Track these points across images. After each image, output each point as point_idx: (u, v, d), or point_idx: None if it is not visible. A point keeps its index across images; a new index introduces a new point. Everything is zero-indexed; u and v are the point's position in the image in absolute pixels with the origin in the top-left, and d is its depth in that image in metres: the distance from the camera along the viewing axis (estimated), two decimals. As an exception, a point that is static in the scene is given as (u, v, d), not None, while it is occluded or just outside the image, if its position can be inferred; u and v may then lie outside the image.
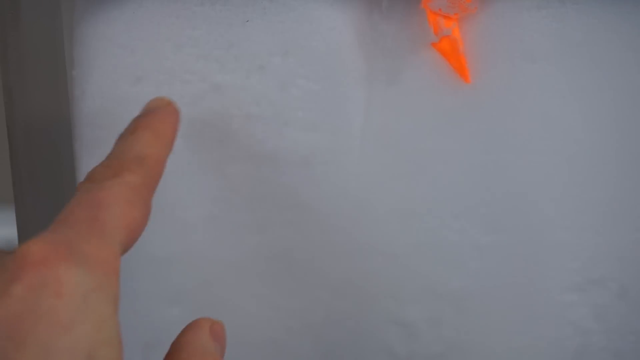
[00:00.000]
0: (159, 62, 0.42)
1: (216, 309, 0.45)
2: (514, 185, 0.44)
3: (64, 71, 0.43)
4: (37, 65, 0.42)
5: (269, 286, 0.45)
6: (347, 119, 0.43)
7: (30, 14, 0.41)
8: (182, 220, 0.44)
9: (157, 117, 0.36)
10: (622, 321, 0.45)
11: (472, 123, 0.43)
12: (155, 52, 0.42)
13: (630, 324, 0.45)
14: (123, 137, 0.35)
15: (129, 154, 0.34)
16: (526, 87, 0.42)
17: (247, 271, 0.45)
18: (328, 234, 0.45)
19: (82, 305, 0.27)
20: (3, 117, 0.43)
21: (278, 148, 0.43)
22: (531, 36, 0.42)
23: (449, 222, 0.44)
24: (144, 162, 0.33)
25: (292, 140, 0.43)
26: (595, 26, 0.42)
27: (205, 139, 0.43)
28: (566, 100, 0.43)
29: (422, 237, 0.44)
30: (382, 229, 0.44)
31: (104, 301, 0.28)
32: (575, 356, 0.45)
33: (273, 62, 0.42)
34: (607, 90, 0.43)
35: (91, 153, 0.43)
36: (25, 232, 0.44)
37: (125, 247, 0.31)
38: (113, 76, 0.42)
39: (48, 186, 0.44)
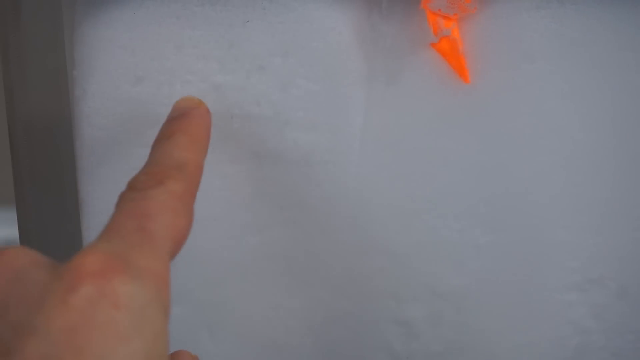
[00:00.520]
0: (159, 62, 0.42)
1: (217, 308, 0.45)
2: (513, 185, 0.44)
3: (65, 71, 0.43)
4: (38, 65, 0.42)
5: (269, 285, 0.45)
6: (347, 118, 0.43)
7: (31, 15, 0.41)
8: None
9: (192, 120, 0.36)
10: (621, 320, 0.45)
11: (472, 123, 0.43)
12: (156, 53, 0.42)
13: (629, 323, 0.45)
14: (160, 143, 0.35)
15: (169, 161, 0.34)
16: (525, 87, 0.42)
17: (247, 270, 0.45)
18: (328, 234, 0.45)
19: (138, 317, 0.27)
20: (4, 117, 0.43)
21: (278, 148, 0.43)
22: (530, 36, 0.42)
23: (449, 221, 0.44)
24: (185, 169, 0.33)
25: (292, 140, 0.43)
26: (594, 26, 0.42)
27: (206, 139, 0.43)
28: (565, 100, 0.43)
29: (422, 236, 0.44)
30: (382, 228, 0.44)
31: (158, 314, 0.28)
32: (575, 355, 0.45)
33: (273, 62, 0.42)
34: (606, 90, 0.43)
35: (92, 153, 0.43)
36: (26, 232, 0.44)
37: (172, 257, 0.31)
38: (114, 76, 0.42)
39: (49, 186, 0.44)
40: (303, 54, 0.42)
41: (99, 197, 0.44)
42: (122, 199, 0.32)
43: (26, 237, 0.44)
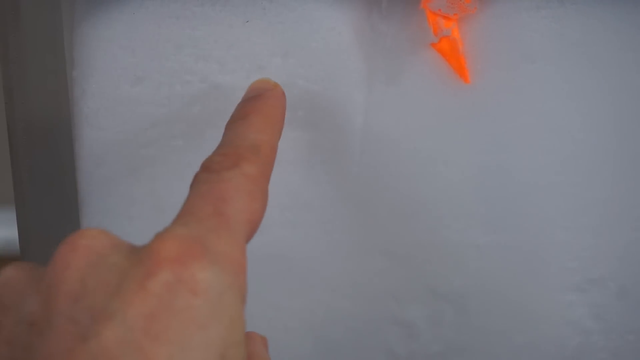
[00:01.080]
0: (159, 62, 0.42)
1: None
2: (513, 185, 0.44)
3: (64, 72, 0.43)
4: (37, 65, 0.42)
5: (269, 286, 0.45)
6: (347, 119, 0.43)
7: (30, 15, 0.41)
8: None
9: (267, 101, 0.36)
10: (621, 321, 0.45)
11: (472, 123, 0.43)
12: (156, 53, 0.42)
13: (629, 324, 0.45)
14: (234, 123, 0.35)
15: (244, 142, 0.33)
16: (525, 88, 0.42)
17: (247, 271, 0.45)
18: (328, 234, 0.45)
19: (216, 304, 0.27)
20: (3, 117, 0.43)
21: (278, 148, 0.43)
22: (530, 36, 0.42)
23: (449, 222, 0.44)
24: (260, 151, 0.33)
25: (292, 140, 0.43)
26: (594, 26, 0.42)
27: (206, 139, 0.43)
28: (565, 100, 0.43)
29: (422, 236, 0.44)
30: (382, 228, 0.44)
31: (235, 300, 0.28)
32: (575, 355, 0.45)
33: (273, 62, 0.42)
34: (606, 90, 0.43)
35: (91, 153, 0.43)
36: (26, 232, 0.44)
37: (247, 241, 0.31)
38: (113, 77, 0.42)
39: (48, 187, 0.44)
40: (303, 54, 0.42)
41: (99, 197, 0.44)
42: (197, 180, 0.31)
43: (26, 237, 0.44)
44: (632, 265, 0.45)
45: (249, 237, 0.31)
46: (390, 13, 0.42)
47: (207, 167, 0.32)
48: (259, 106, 0.36)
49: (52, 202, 0.44)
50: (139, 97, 0.42)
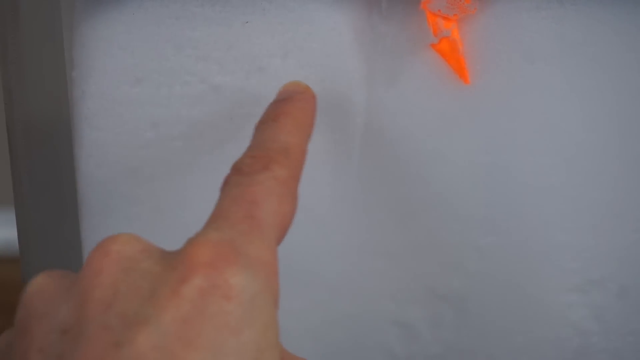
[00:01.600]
0: (158, 63, 0.42)
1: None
2: (513, 186, 0.44)
3: (64, 72, 0.43)
4: (36, 66, 0.42)
5: (268, 287, 0.45)
6: (347, 119, 0.43)
7: (29, 15, 0.41)
8: (182, 221, 0.44)
9: (297, 104, 0.36)
10: (621, 322, 0.45)
11: (472, 124, 0.43)
12: (155, 54, 0.42)
13: (629, 325, 0.45)
14: (264, 125, 0.35)
15: (274, 144, 0.33)
16: (526, 88, 0.42)
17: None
18: (328, 235, 0.45)
19: (249, 308, 0.27)
20: (3, 118, 0.43)
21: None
22: (530, 37, 0.42)
23: (449, 223, 0.44)
24: (290, 153, 0.33)
25: (291, 141, 0.43)
26: (595, 27, 0.42)
27: (205, 140, 0.43)
28: (566, 101, 0.43)
29: (422, 237, 0.44)
30: (381, 229, 0.44)
31: (269, 305, 0.28)
32: (575, 357, 0.45)
33: (273, 63, 0.42)
34: (606, 91, 0.43)
35: (91, 154, 0.43)
36: (25, 233, 0.44)
37: (278, 244, 0.31)
38: (113, 77, 0.42)
39: (48, 187, 0.44)
40: (303, 54, 0.42)
41: (98, 198, 0.44)
42: (228, 183, 0.31)
43: (25, 238, 0.44)
44: (632, 266, 0.45)
45: (279, 240, 0.31)
46: (390, 14, 0.42)
47: (238, 170, 0.32)
48: (289, 109, 0.36)
49: (51, 203, 0.44)
50: (138, 98, 0.42)
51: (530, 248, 0.44)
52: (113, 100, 0.42)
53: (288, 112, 0.35)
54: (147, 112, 0.42)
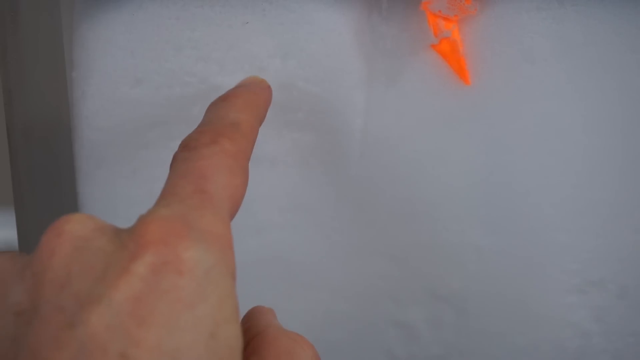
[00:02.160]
0: (158, 63, 0.42)
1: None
2: (513, 187, 0.44)
3: (64, 73, 0.43)
4: (36, 67, 0.42)
5: (268, 288, 0.45)
6: (347, 120, 0.43)
7: (29, 16, 0.41)
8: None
9: (250, 88, 0.36)
10: (621, 323, 0.45)
11: (472, 124, 0.43)
12: (155, 54, 0.42)
13: (630, 326, 0.45)
14: (215, 105, 0.34)
15: (223, 120, 0.33)
16: (526, 89, 0.42)
17: (246, 273, 0.45)
18: (328, 236, 0.45)
19: (203, 282, 0.27)
20: (3, 118, 0.43)
21: (278, 149, 0.43)
22: (531, 37, 0.42)
23: (449, 223, 0.44)
24: (239, 128, 0.33)
25: (292, 142, 0.43)
26: (595, 27, 0.42)
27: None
28: (566, 102, 0.43)
29: (422, 238, 0.44)
30: (382, 230, 0.44)
31: (224, 277, 0.28)
32: (575, 357, 0.45)
33: (273, 63, 0.42)
34: (606, 91, 0.42)
35: (91, 155, 0.43)
36: (25, 233, 0.44)
37: (231, 217, 0.31)
38: (113, 78, 0.42)
39: (47, 188, 0.44)
40: (303, 55, 0.42)
41: (98, 198, 0.44)
42: (176, 159, 0.31)
43: (25, 239, 0.44)
44: (633, 267, 0.45)
45: (232, 213, 0.31)
46: (390, 14, 0.42)
47: (186, 145, 0.32)
48: (240, 91, 0.35)
49: (51, 203, 0.44)
50: (138, 98, 0.42)
51: (531, 249, 0.44)
52: (113, 101, 0.42)
53: (239, 94, 0.35)
54: (147, 112, 0.42)
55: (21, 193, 0.44)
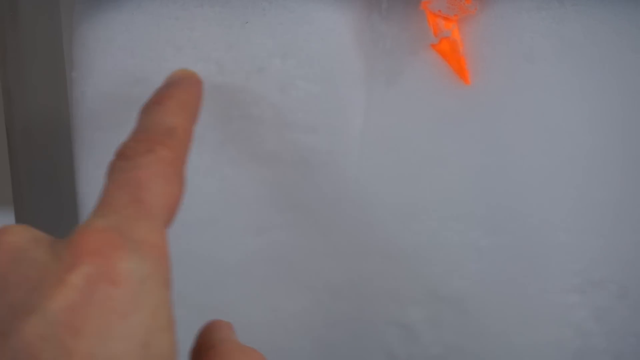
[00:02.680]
0: (158, 63, 0.42)
1: (216, 311, 0.45)
2: (514, 187, 0.44)
3: (64, 73, 0.43)
4: (36, 67, 0.42)
5: (268, 288, 0.45)
6: (347, 120, 0.43)
7: (29, 16, 0.41)
8: (181, 222, 0.44)
9: (181, 87, 0.36)
10: (622, 323, 0.45)
11: (472, 124, 0.43)
12: (155, 54, 0.42)
13: (630, 326, 0.45)
14: (148, 109, 0.34)
15: (158, 127, 0.33)
16: (526, 88, 0.42)
17: (247, 273, 0.45)
18: (328, 236, 0.44)
19: (137, 292, 0.27)
20: (2, 118, 0.43)
21: (277, 149, 0.43)
22: (531, 37, 0.42)
23: (449, 223, 0.44)
24: (175, 134, 0.33)
25: (291, 142, 0.43)
26: (595, 27, 0.42)
27: (205, 140, 0.43)
28: (566, 101, 0.43)
29: (422, 238, 0.44)
30: (382, 230, 0.44)
31: (159, 287, 0.28)
32: (575, 358, 0.45)
33: (272, 63, 0.42)
34: (607, 91, 0.42)
35: (90, 155, 0.43)
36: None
37: (168, 226, 0.31)
38: (112, 78, 0.42)
39: (47, 188, 0.44)
40: (302, 55, 0.42)
41: (98, 198, 0.44)
42: (113, 168, 0.31)
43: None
44: (633, 267, 0.44)
45: (168, 221, 0.31)
46: (390, 14, 0.42)
47: (122, 154, 0.32)
48: (173, 92, 0.35)
49: (51, 204, 0.44)
50: (138, 98, 0.42)
51: (531, 249, 0.44)
52: (113, 101, 0.42)
53: (172, 95, 0.35)
54: (146, 112, 0.42)
55: (21, 193, 0.44)
